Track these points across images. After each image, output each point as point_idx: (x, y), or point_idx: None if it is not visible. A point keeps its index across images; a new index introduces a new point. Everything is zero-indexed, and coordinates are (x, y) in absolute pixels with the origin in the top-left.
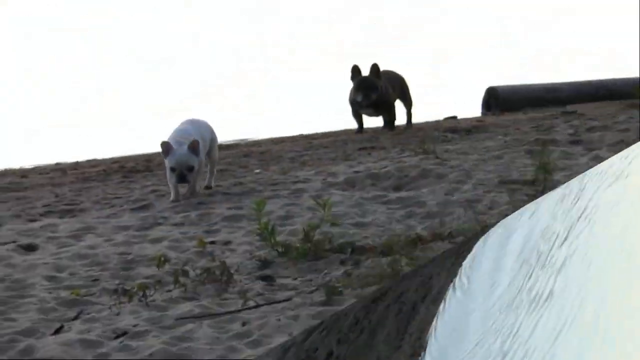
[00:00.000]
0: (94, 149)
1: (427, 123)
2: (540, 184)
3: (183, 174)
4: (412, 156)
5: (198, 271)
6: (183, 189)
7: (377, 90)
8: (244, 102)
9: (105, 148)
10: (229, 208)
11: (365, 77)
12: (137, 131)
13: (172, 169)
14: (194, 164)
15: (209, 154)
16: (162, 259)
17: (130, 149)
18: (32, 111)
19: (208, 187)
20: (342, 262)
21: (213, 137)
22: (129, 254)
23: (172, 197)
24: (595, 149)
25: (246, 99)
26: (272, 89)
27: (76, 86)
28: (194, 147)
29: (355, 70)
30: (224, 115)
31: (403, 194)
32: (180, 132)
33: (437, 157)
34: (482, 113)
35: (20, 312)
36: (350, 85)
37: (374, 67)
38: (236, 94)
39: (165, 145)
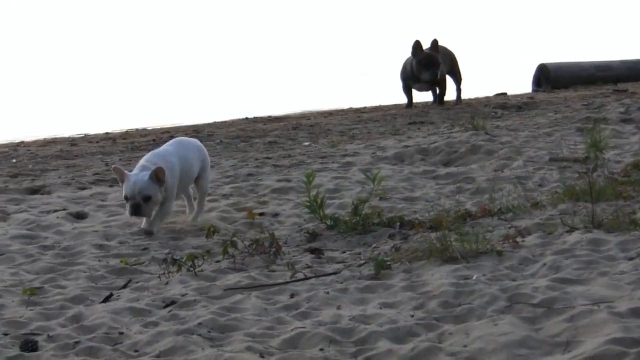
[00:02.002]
0: (143, 118)
1: (477, 99)
2: (591, 161)
3: (137, 204)
4: (461, 132)
5: (247, 242)
6: (139, 220)
7: (438, 67)
8: (292, 75)
9: (154, 118)
10: (278, 180)
11: (429, 53)
12: (187, 102)
13: (125, 198)
14: (150, 194)
15: (196, 182)
16: (211, 229)
17: (180, 119)
18: (82, 80)
19: (194, 221)
20: (391, 236)
21: (204, 161)
22: (178, 223)
23: (143, 225)
24: None
25: (295, 72)
26: (321, 62)
27: (125, 57)
28: (157, 175)
29: (417, 46)
30: (273, 88)
31: (452, 169)
32: (152, 155)
33: (487, 133)
34: (533, 90)
35: (70, 279)
36: (402, 59)
37: (435, 43)
38: (285, 66)
39: (117, 171)
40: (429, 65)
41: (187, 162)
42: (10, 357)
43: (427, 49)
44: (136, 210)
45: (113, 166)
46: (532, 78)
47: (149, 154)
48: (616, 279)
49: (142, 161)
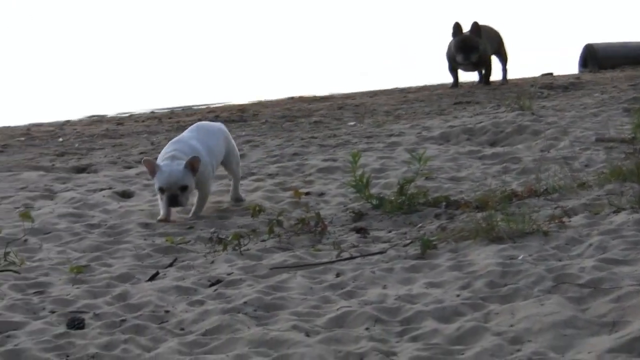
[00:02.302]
0: (189, 97)
1: (523, 79)
2: (638, 142)
3: (175, 195)
4: (507, 112)
5: (292, 222)
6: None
7: (477, 50)
8: (338, 54)
9: (200, 97)
10: (324, 160)
11: (466, 36)
12: (232, 81)
13: (161, 190)
14: (187, 183)
15: (225, 165)
16: (257, 208)
17: (225, 98)
18: (128, 59)
19: (238, 200)
20: (437, 216)
21: (229, 145)
22: (224, 202)
23: (160, 215)
24: None
25: (340, 52)
26: (366, 42)
27: (171, 36)
28: (193, 164)
29: (457, 28)
30: (318, 68)
31: (498, 149)
32: (177, 144)
33: (533, 113)
34: (579, 70)
35: (116, 258)
36: (448, 39)
37: (475, 26)
38: (331, 46)
39: (148, 163)
40: (464, 48)
41: (210, 147)
42: (57, 334)
43: (467, 32)
44: (174, 201)
45: (144, 158)
46: (578, 58)
47: (173, 142)
48: None
49: (169, 151)
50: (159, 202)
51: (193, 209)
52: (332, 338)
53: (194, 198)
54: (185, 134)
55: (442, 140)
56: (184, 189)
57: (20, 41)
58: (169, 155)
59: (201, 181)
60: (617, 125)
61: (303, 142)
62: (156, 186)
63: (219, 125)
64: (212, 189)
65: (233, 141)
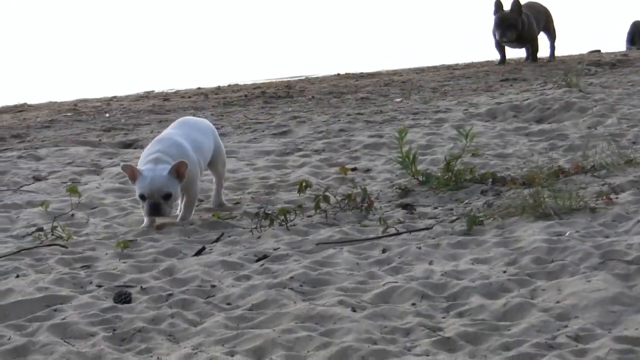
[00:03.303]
0: (235, 73)
1: (570, 56)
2: None
3: (156, 204)
4: (555, 88)
5: (339, 197)
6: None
7: (515, 28)
8: (385, 31)
9: (246, 73)
10: (370, 136)
11: (504, 13)
12: (278, 57)
13: (142, 197)
14: (171, 191)
15: (210, 164)
16: (304, 184)
17: (271, 74)
18: (175, 36)
19: (221, 205)
20: (483, 193)
21: (217, 142)
22: (270, 178)
23: (144, 224)
24: None
25: (387, 28)
26: (413, 19)
27: (218, 12)
28: (178, 170)
29: (498, 5)
30: (364, 44)
31: (545, 126)
32: (161, 144)
33: (580, 90)
34: (627, 47)
35: (162, 233)
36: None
37: (515, 3)
38: (377, 22)
39: (129, 169)
40: (502, 26)
41: (198, 144)
42: (104, 308)
43: (507, 9)
44: (155, 210)
45: (122, 164)
46: (626, 35)
47: (156, 141)
48: None
49: (152, 152)
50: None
51: (181, 213)
52: (378, 313)
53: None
54: (170, 130)
55: (489, 117)
56: (167, 197)
57: (69, 17)
58: (152, 158)
59: (188, 182)
60: None
61: (349, 118)
62: (137, 193)
63: (206, 121)
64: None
65: (219, 139)
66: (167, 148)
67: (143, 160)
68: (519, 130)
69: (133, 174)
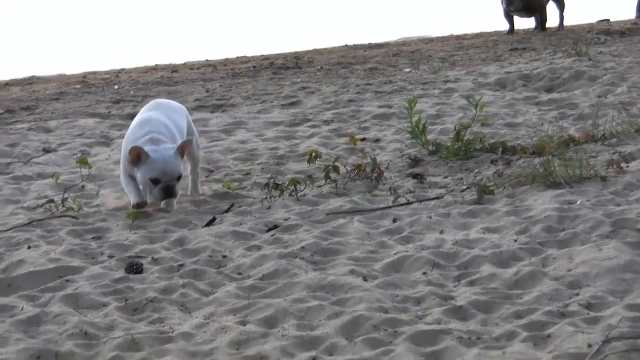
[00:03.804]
0: (243, 45)
1: (579, 25)
2: None
3: (170, 186)
4: (564, 57)
5: (348, 167)
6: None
7: None
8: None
9: (254, 45)
10: (379, 106)
11: None
12: (287, 28)
13: (154, 181)
14: (181, 172)
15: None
16: (313, 154)
17: (279, 46)
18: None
19: (197, 192)
20: (493, 162)
21: (189, 125)
22: (280, 149)
23: (134, 199)
24: None
25: None
26: None
27: None
28: (183, 150)
29: None
30: (372, 15)
31: (555, 95)
32: (149, 125)
33: (590, 59)
34: (636, 16)
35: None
36: None
37: None
38: None
39: (135, 151)
40: None
41: (179, 126)
42: (115, 279)
43: None
44: (169, 193)
45: (132, 146)
46: (636, 4)
47: (141, 123)
48: None
49: (143, 133)
50: (128, 188)
51: (193, 188)
52: (390, 282)
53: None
54: (149, 113)
55: (498, 86)
56: (179, 178)
57: None
58: (148, 138)
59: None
60: None
61: (358, 89)
62: (145, 176)
63: (178, 103)
64: None
65: (191, 120)
66: (157, 127)
67: (131, 141)
68: (528, 99)
69: (139, 156)
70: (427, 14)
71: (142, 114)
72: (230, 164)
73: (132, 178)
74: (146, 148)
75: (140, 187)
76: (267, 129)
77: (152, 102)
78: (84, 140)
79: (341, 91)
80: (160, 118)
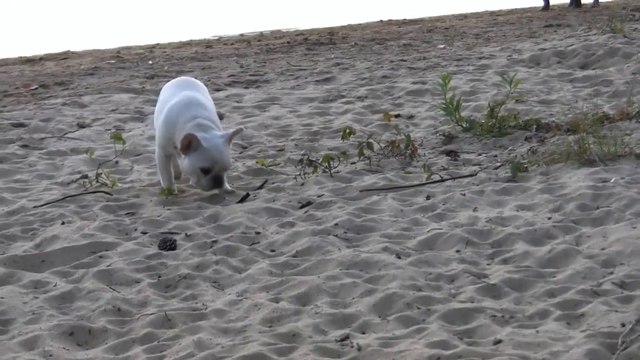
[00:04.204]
0: (278, 20)
1: (614, 2)
2: None
3: (220, 176)
4: (599, 34)
5: (382, 144)
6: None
7: None
8: None
9: (288, 20)
10: (413, 82)
11: None
12: (321, 4)
13: (205, 170)
14: (231, 162)
15: None
16: (347, 131)
17: (314, 21)
18: None
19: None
20: (527, 139)
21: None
22: (313, 125)
23: (164, 186)
24: None
25: None
26: None
27: None
28: (231, 139)
29: None
30: None
31: (590, 72)
32: (195, 109)
33: (625, 36)
34: None
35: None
36: None
37: None
38: None
39: (188, 138)
40: None
41: (211, 107)
42: (149, 255)
43: None
44: (219, 183)
45: (187, 133)
46: None
47: (185, 105)
48: None
49: (191, 116)
50: (162, 170)
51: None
52: (423, 260)
53: None
54: (187, 93)
55: (533, 63)
56: (229, 168)
57: None
58: (195, 124)
59: None
60: None
61: (392, 65)
62: (194, 165)
63: (199, 82)
64: None
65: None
66: (203, 112)
67: (180, 126)
68: (563, 76)
69: (189, 143)
70: None
71: (177, 92)
72: (264, 140)
73: (167, 159)
74: (202, 136)
75: (186, 174)
76: (301, 105)
77: (181, 80)
78: (118, 116)
79: (375, 67)
80: (202, 100)
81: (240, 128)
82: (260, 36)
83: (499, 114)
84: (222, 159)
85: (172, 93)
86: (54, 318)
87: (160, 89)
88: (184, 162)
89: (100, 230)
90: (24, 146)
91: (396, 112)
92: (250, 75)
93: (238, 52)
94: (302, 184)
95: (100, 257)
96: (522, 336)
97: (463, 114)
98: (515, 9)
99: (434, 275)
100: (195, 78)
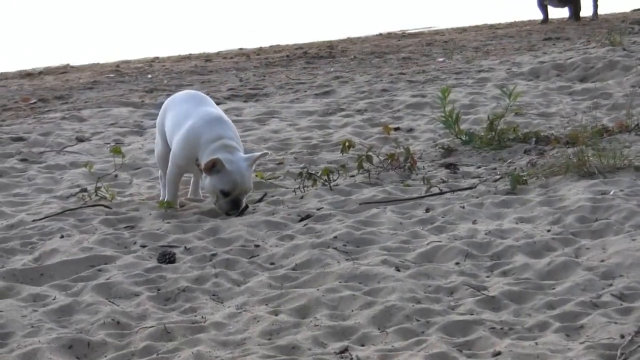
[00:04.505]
0: (277, 34)
1: (613, 15)
2: None
3: (239, 199)
4: (598, 47)
5: (382, 157)
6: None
7: None
8: None
9: (288, 34)
10: (413, 96)
11: None
12: (320, 18)
13: (225, 193)
14: (252, 186)
15: None
16: (347, 144)
17: (313, 35)
18: None
19: (197, 196)
20: (527, 152)
21: None
22: (313, 138)
23: (169, 197)
24: None
25: None
26: None
27: None
28: (254, 162)
29: None
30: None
31: (589, 85)
32: (220, 128)
33: (624, 49)
34: None
35: (205, 193)
36: None
37: None
38: None
39: (213, 162)
40: None
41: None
42: (148, 268)
43: None
44: (237, 206)
45: (216, 159)
46: None
47: (209, 122)
48: None
49: (215, 135)
50: (171, 185)
51: (193, 189)
52: (422, 272)
53: None
54: (208, 109)
55: (532, 76)
56: (249, 190)
57: None
58: (221, 144)
59: None
60: None
61: (392, 78)
62: (215, 186)
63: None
64: None
65: None
66: (226, 132)
67: (203, 146)
68: (562, 89)
69: (214, 165)
70: (461, 3)
71: (193, 108)
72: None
73: (180, 175)
74: (221, 156)
75: (205, 193)
76: (300, 119)
77: (190, 94)
78: (117, 130)
79: (375, 80)
80: (224, 118)
81: (265, 152)
82: (260, 50)
83: (498, 127)
84: (243, 183)
85: (187, 109)
86: (53, 331)
87: (161, 102)
88: (205, 181)
89: (100, 244)
90: (23, 160)
91: (395, 125)
92: (249, 88)
93: (237, 66)
94: (302, 197)
95: (100, 270)
96: (521, 348)
97: (462, 127)
98: (515, 22)
99: (433, 288)
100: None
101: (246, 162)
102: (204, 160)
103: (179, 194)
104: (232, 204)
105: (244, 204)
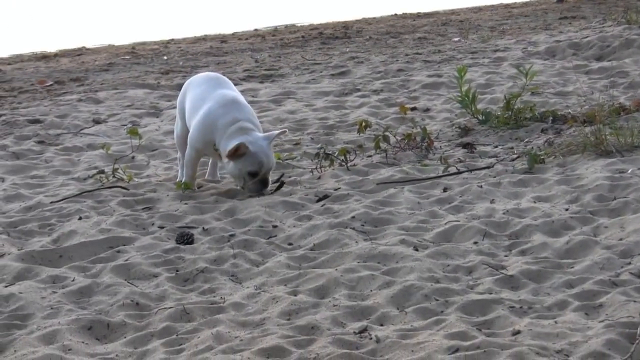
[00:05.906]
0: (292, 15)
1: None
2: None
3: (267, 179)
4: (614, 26)
5: (398, 137)
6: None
7: None
8: None
9: (303, 14)
10: (429, 75)
11: None
12: None
13: (253, 174)
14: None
15: None
16: (363, 124)
17: (328, 15)
18: None
19: (215, 178)
20: (544, 131)
21: None
22: (329, 119)
23: (185, 180)
24: None
25: None
26: None
27: None
28: (272, 140)
29: None
30: None
31: (605, 63)
32: (238, 111)
33: None
34: None
35: (223, 174)
36: None
37: None
38: None
39: (241, 147)
40: None
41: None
42: (166, 249)
43: None
44: (265, 185)
45: (241, 144)
46: None
47: (226, 106)
48: None
49: (231, 119)
50: (189, 167)
51: (212, 171)
52: (441, 252)
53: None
54: (225, 92)
55: (548, 55)
56: (273, 168)
57: None
58: (238, 127)
59: None
60: None
61: (407, 58)
62: (242, 170)
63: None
64: None
65: None
66: (245, 114)
67: (221, 129)
68: (578, 68)
69: (237, 149)
70: None
71: (211, 90)
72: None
73: (198, 158)
74: (242, 139)
75: (231, 177)
76: (316, 99)
77: (209, 77)
78: (134, 111)
79: (390, 61)
80: (240, 100)
81: (284, 130)
82: (275, 31)
83: (515, 106)
84: (268, 161)
85: (204, 92)
86: (72, 313)
87: (181, 84)
88: (229, 166)
89: (118, 225)
90: (40, 142)
91: (412, 105)
92: (265, 69)
93: (253, 47)
94: (319, 178)
95: (118, 251)
96: (540, 327)
97: (479, 106)
98: (530, 1)
99: (451, 267)
100: None
101: (266, 141)
102: (221, 145)
103: (197, 175)
104: (261, 183)
105: (270, 183)
